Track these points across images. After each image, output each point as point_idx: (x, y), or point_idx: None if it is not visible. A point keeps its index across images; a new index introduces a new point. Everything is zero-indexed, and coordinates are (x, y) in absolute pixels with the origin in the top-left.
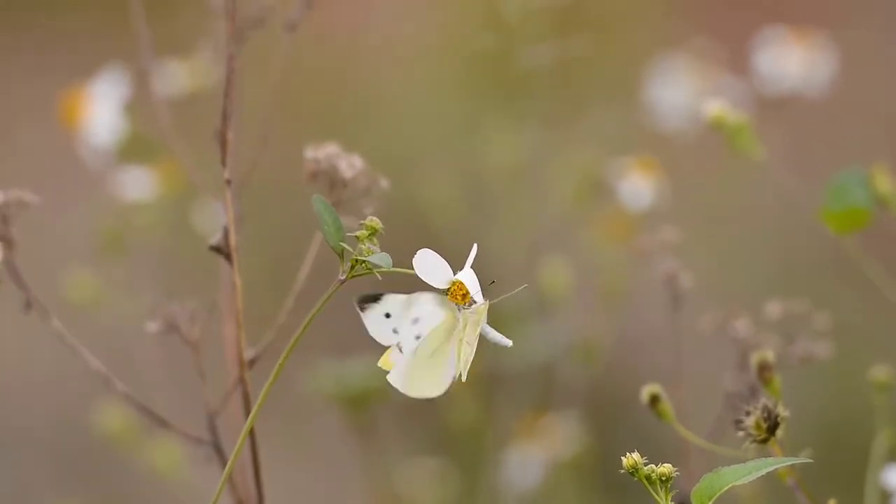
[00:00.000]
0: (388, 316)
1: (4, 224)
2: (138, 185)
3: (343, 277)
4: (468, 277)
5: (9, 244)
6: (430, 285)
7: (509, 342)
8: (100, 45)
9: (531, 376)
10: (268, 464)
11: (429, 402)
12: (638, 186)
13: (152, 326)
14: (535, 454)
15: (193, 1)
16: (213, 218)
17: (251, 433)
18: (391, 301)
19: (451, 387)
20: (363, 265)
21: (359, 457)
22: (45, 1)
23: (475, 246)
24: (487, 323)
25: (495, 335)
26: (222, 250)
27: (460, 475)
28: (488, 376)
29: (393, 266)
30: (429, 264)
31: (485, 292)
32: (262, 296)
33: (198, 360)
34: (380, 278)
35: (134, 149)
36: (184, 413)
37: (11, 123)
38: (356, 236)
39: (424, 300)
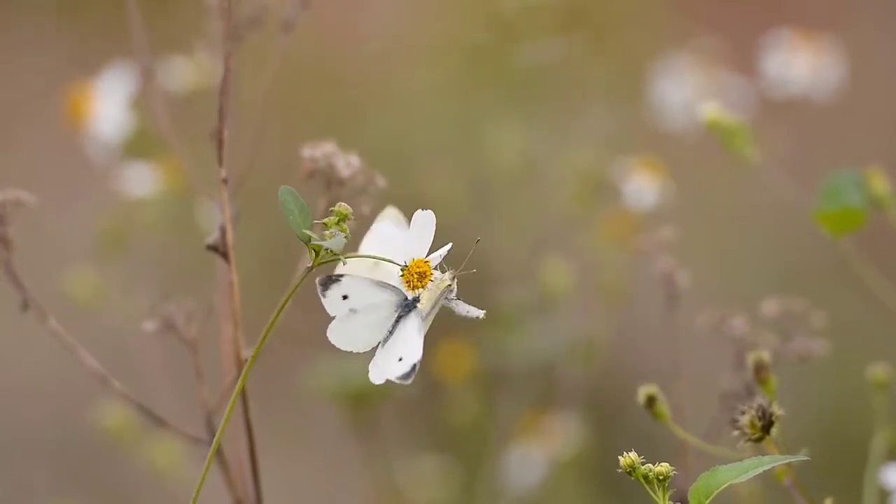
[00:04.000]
0: (345, 297)
1: (1, 224)
2: (141, 181)
3: (310, 265)
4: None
5: (6, 244)
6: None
7: (481, 312)
8: (98, 44)
9: (532, 375)
10: (267, 462)
11: (430, 399)
12: (641, 186)
13: (150, 326)
14: (535, 452)
15: (191, 0)
16: (212, 217)
17: (249, 431)
18: (347, 283)
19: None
20: (328, 252)
21: (360, 454)
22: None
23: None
24: (486, 316)
25: (464, 307)
26: (219, 249)
27: (461, 473)
28: (490, 375)
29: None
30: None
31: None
32: (259, 294)
33: (195, 359)
34: (344, 263)
35: (137, 146)
36: (182, 412)
37: (11, 120)
38: (324, 223)
39: (358, 284)
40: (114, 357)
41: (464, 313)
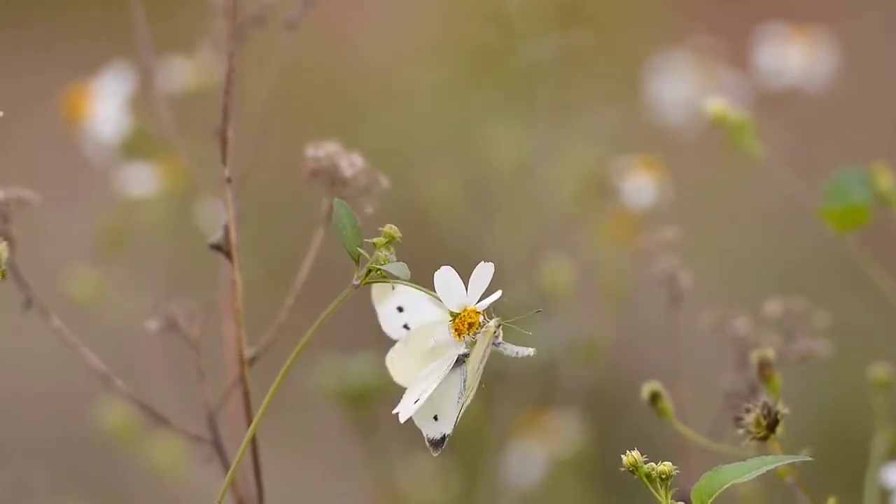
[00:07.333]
0: (400, 310)
1: (4, 222)
2: (141, 181)
3: (357, 283)
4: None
5: (9, 242)
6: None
7: (531, 351)
8: (99, 44)
9: (532, 374)
10: (268, 461)
11: None
12: (641, 185)
13: (152, 325)
14: (535, 451)
15: (192, 0)
16: (214, 216)
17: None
18: (402, 292)
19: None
20: (378, 273)
21: (360, 454)
22: None
23: (494, 289)
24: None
25: (513, 349)
26: (222, 248)
27: (461, 472)
28: (490, 374)
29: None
30: (447, 283)
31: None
32: (262, 294)
33: (198, 358)
34: (393, 288)
35: (137, 145)
36: (184, 411)
37: (12, 120)
38: (373, 243)
39: (414, 296)
40: (114, 357)
41: (514, 355)
